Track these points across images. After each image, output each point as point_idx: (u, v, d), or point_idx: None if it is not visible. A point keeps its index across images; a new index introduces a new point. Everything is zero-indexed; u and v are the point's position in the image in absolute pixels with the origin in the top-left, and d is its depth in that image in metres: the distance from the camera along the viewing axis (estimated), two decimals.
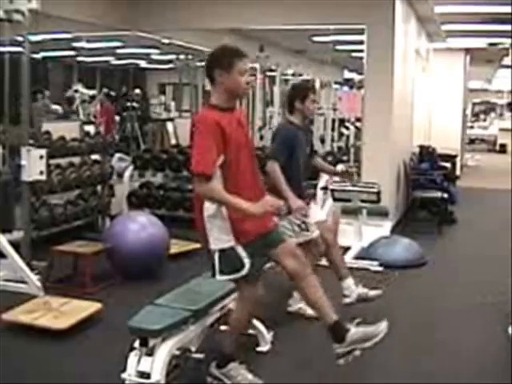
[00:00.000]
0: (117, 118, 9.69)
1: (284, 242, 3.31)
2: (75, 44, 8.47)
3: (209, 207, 3.09)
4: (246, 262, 3.07)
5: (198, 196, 3.14)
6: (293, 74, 10.21)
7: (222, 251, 3.10)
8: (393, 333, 4.23)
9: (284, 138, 4.28)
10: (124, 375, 2.95)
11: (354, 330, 3.14)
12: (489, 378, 3.56)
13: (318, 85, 10.73)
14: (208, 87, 10.42)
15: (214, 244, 3.11)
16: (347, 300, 4.35)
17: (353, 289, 4.36)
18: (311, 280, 3.23)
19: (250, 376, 3.25)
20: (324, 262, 4.57)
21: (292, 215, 4.20)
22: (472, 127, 21.66)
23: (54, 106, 8.02)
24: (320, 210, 4.54)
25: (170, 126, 9.37)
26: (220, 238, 3.09)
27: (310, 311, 4.33)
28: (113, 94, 9.53)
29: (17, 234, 5.07)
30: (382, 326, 3.20)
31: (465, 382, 3.50)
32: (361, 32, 6.93)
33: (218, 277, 3.12)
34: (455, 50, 12.11)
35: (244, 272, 3.08)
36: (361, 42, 7.01)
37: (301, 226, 4.30)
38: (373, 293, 4.43)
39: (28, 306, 4.21)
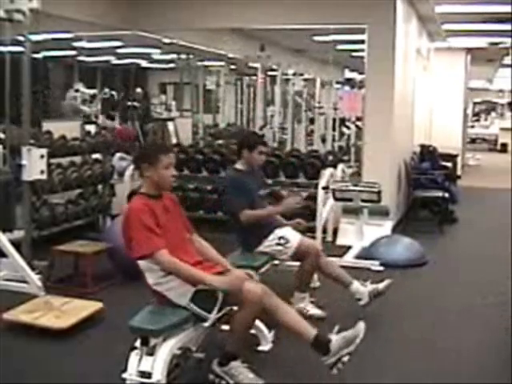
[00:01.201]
0: (116, 116, 9.68)
1: (232, 270, 3.37)
2: (76, 44, 8.46)
3: (151, 277, 3.20)
4: (218, 292, 3.13)
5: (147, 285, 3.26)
6: (294, 74, 10.21)
7: (192, 299, 3.14)
8: (393, 332, 4.25)
9: (235, 187, 4.40)
10: (125, 375, 2.95)
11: (336, 338, 3.21)
12: (489, 377, 3.56)
13: (318, 84, 10.75)
14: (209, 86, 10.47)
15: (183, 301, 3.15)
16: (362, 302, 4.34)
17: (361, 291, 4.34)
18: (279, 305, 3.28)
19: (251, 375, 3.25)
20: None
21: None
22: (473, 126, 21.66)
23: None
24: (293, 232, 4.56)
25: (170, 125, 9.36)
26: (185, 291, 3.15)
27: (311, 311, 4.34)
28: (114, 93, 9.52)
29: (17, 234, 5.07)
30: (360, 327, 3.27)
31: (465, 381, 3.50)
32: (362, 31, 6.92)
33: (213, 315, 3.12)
34: (456, 49, 12.10)
35: (221, 294, 3.13)
36: (362, 42, 7.01)
37: (279, 243, 4.38)
38: (382, 285, 4.39)
39: (29, 306, 4.21)
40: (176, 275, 3.15)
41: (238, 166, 4.51)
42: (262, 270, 4.29)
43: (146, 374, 2.91)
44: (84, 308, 4.21)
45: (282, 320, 3.29)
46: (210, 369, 3.29)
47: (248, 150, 4.44)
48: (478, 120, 23.66)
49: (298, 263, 4.50)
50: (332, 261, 4.61)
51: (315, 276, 4.81)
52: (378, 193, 5.71)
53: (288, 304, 4.34)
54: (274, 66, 10.14)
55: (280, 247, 4.37)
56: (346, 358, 3.17)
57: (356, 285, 4.37)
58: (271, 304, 3.25)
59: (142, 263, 3.22)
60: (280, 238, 4.39)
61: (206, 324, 3.14)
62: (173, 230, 3.30)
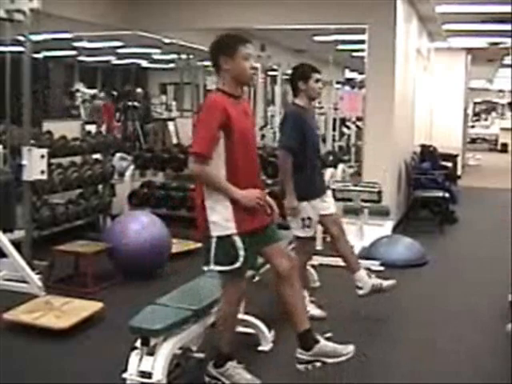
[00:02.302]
0: (117, 115, 9.69)
1: (279, 241, 3.28)
2: (76, 44, 8.47)
3: (211, 192, 3.05)
4: (241, 254, 3.02)
5: (199, 189, 3.11)
6: None
7: (219, 239, 3.04)
8: (393, 332, 4.25)
9: (294, 123, 4.20)
10: (125, 375, 2.96)
11: (324, 343, 3.19)
12: (489, 377, 3.56)
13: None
14: (209, 87, 10.49)
15: (213, 230, 3.04)
16: (361, 292, 4.30)
17: (366, 280, 4.29)
18: (296, 285, 3.23)
19: (247, 375, 3.23)
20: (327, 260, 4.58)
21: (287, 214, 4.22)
22: (473, 126, 21.66)
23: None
24: (331, 203, 4.46)
25: (171, 125, 9.37)
26: (220, 224, 3.03)
27: (312, 311, 4.33)
28: (114, 93, 9.52)
29: (18, 234, 5.07)
30: (349, 349, 3.23)
31: (465, 381, 3.50)
32: (362, 32, 6.93)
33: (212, 266, 3.06)
34: (456, 49, 12.10)
35: (237, 265, 3.02)
36: (362, 42, 7.01)
37: (304, 221, 4.24)
38: (387, 283, 4.35)
39: (29, 306, 4.21)
40: (210, 184, 3.03)
41: (299, 101, 4.31)
42: (262, 270, 4.29)
43: (146, 374, 2.91)
44: (84, 308, 4.21)
45: (289, 297, 3.21)
46: (206, 371, 3.26)
47: (303, 81, 4.27)
48: (478, 120, 23.65)
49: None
50: (350, 244, 4.54)
51: (315, 276, 4.81)
52: (379, 193, 5.72)
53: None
54: (275, 66, 10.13)
55: (302, 224, 4.23)
56: (318, 364, 3.17)
57: (362, 273, 4.32)
58: (289, 278, 3.18)
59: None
60: (309, 218, 4.23)
61: (237, 265, 3.02)
62: (250, 134, 3.18)
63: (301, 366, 3.19)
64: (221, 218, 3.03)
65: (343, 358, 3.18)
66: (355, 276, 4.33)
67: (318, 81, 4.31)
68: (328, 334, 3.27)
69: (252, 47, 3.17)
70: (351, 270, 4.36)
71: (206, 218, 3.05)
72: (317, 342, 3.18)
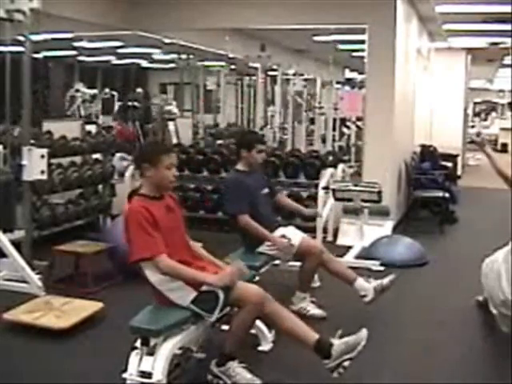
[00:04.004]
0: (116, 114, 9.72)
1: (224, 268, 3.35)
2: (76, 43, 8.47)
3: (152, 276, 3.17)
4: (216, 289, 3.12)
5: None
6: (294, 74, 10.21)
7: (193, 301, 3.14)
8: (393, 332, 4.25)
9: (235, 188, 4.38)
10: (125, 375, 2.96)
11: (338, 343, 3.20)
12: (489, 378, 3.56)
13: (319, 84, 10.75)
14: (210, 87, 10.46)
15: (184, 302, 3.15)
16: (366, 299, 4.31)
17: (366, 287, 4.31)
18: (279, 311, 3.28)
19: (248, 375, 3.25)
20: None
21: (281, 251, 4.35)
22: (473, 126, 21.63)
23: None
24: (296, 231, 4.56)
25: (171, 125, 9.36)
26: (186, 293, 3.15)
27: (312, 311, 4.34)
28: (114, 93, 9.52)
29: (18, 234, 5.07)
30: (363, 334, 3.26)
31: (465, 382, 3.49)
32: (362, 31, 6.93)
33: (211, 318, 3.13)
34: (456, 49, 12.09)
35: (221, 297, 3.11)
36: (362, 42, 7.01)
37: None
38: (387, 280, 4.35)
39: (29, 306, 4.21)
40: (176, 278, 3.14)
41: (239, 166, 4.50)
42: (262, 270, 4.29)
43: (146, 374, 2.91)
44: (84, 308, 4.21)
45: (283, 327, 3.29)
46: (208, 369, 3.29)
47: (246, 149, 4.42)
48: (485, 119, 23.64)
49: (298, 263, 4.50)
50: (336, 258, 4.60)
51: (316, 276, 4.81)
52: (379, 193, 5.71)
53: (289, 304, 4.39)
54: (275, 66, 10.13)
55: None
56: (346, 363, 3.17)
57: (360, 281, 4.33)
58: (272, 310, 3.25)
59: (148, 272, 3.19)
60: (282, 237, 4.38)
61: (209, 320, 3.13)
62: (175, 229, 3.30)
63: (335, 374, 3.18)
64: (180, 290, 3.15)
65: (362, 345, 3.21)
66: (355, 287, 4.34)
67: (260, 151, 4.46)
68: (339, 332, 3.27)
69: (175, 156, 3.32)
70: (349, 283, 4.37)
71: (169, 297, 3.18)
72: (331, 345, 3.19)
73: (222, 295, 3.12)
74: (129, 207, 3.25)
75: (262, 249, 4.36)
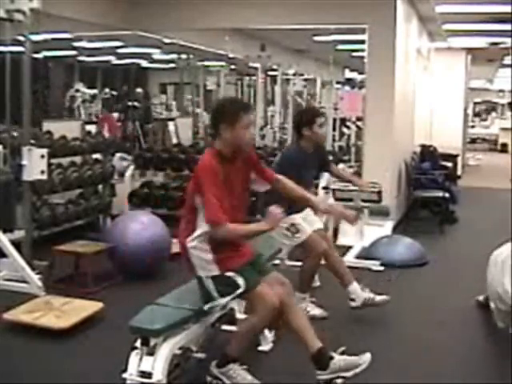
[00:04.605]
0: (116, 115, 9.70)
1: (270, 272, 3.33)
2: (76, 43, 8.47)
3: (193, 240, 3.14)
4: (239, 280, 3.10)
5: (184, 231, 3.19)
6: (294, 74, 10.22)
7: (213, 278, 3.13)
8: (393, 332, 4.25)
9: (291, 161, 4.32)
10: (125, 375, 2.95)
11: (337, 358, 3.16)
12: (489, 378, 3.56)
13: (319, 84, 10.75)
14: (209, 87, 10.45)
15: (204, 272, 3.14)
16: (353, 304, 4.32)
17: (359, 293, 4.31)
18: (295, 308, 3.25)
19: (249, 377, 3.23)
20: None
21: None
22: (473, 126, 21.64)
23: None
24: (315, 219, 4.52)
25: (171, 125, 9.37)
26: (209, 268, 3.13)
27: (312, 311, 4.34)
28: (114, 93, 9.53)
29: (18, 234, 5.07)
30: (365, 358, 3.20)
31: (465, 382, 3.49)
32: (362, 31, 6.93)
33: (220, 300, 3.12)
34: (456, 49, 12.10)
35: (241, 289, 3.10)
36: (362, 42, 7.01)
37: (289, 229, 4.30)
38: (379, 298, 4.34)
39: (29, 306, 4.21)
40: (237, 239, 3.14)
41: (302, 143, 4.42)
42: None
43: (146, 374, 2.91)
44: (84, 308, 4.21)
45: (293, 322, 3.22)
46: (208, 370, 3.27)
47: (307, 127, 4.35)
48: (483, 119, 23.64)
49: (298, 263, 4.50)
50: (341, 258, 4.59)
51: (316, 276, 4.80)
52: (379, 193, 5.71)
53: None
54: (275, 66, 10.14)
55: (289, 233, 4.31)
56: (339, 381, 3.13)
57: (355, 286, 4.34)
58: (289, 304, 3.20)
59: (200, 223, 3.11)
60: (292, 224, 4.31)
61: (207, 306, 3.11)
62: (236, 193, 3.21)
63: None
64: (207, 263, 3.13)
65: (361, 368, 3.16)
66: (348, 289, 4.34)
67: (321, 125, 4.42)
68: (341, 349, 3.24)
69: (253, 116, 3.23)
70: (344, 284, 4.37)
71: (194, 263, 3.16)
72: (331, 358, 3.16)
73: (242, 288, 3.08)
74: (202, 161, 3.15)
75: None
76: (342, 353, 3.23)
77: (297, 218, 4.34)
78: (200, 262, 3.14)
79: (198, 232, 3.13)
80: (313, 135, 4.37)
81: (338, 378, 3.14)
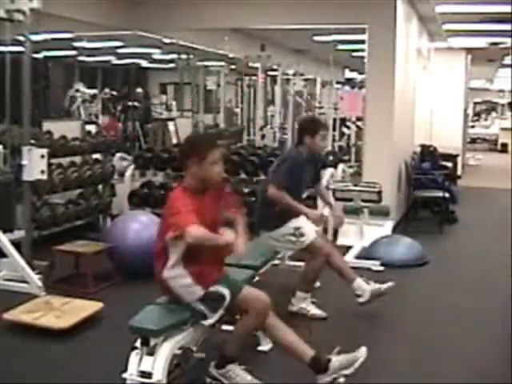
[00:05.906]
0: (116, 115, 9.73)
1: (242, 289, 3.27)
2: (76, 44, 8.47)
3: (169, 270, 3.13)
4: (223, 290, 3.12)
5: (158, 267, 3.18)
6: (294, 74, 10.22)
7: (201, 300, 3.12)
8: (393, 332, 4.25)
9: (291, 167, 4.35)
10: (125, 375, 2.95)
11: (335, 359, 3.20)
12: (489, 378, 3.55)
13: (319, 84, 10.76)
14: (210, 87, 10.45)
15: (190, 296, 3.13)
16: (360, 299, 4.32)
17: (364, 288, 4.31)
18: (281, 326, 3.26)
19: (248, 377, 3.24)
20: None
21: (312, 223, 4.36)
22: (473, 126, 21.65)
23: None
24: (311, 228, 4.54)
25: (171, 125, 9.37)
26: (193, 291, 3.13)
27: (313, 311, 4.34)
28: (114, 93, 9.53)
29: (18, 234, 5.07)
30: (361, 352, 3.25)
31: (465, 382, 3.49)
32: (362, 31, 6.93)
33: (215, 317, 3.11)
34: (456, 49, 12.10)
35: (227, 297, 3.11)
36: (362, 42, 7.01)
37: (294, 233, 4.32)
38: (385, 286, 4.36)
39: (29, 306, 4.21)
40: (207, 243, 3.08)
41: (301, 149, 4.48)
42: (262, 270, 4.29)
43: (146, 374, 2.91)
44: (84, 308, 4.21)
45: (282, 340, 3.26)
46: (207, 371, 3.28)
47: (310, 135, 4.41)
48: (478, 120, 23.65)
49: (298, 263, 4.50)
50: (342, 256, 4.61)
51: None
52: (379, 193, 5.72)
53: (289, 304, 4.40)
54: (275, 66, 10.14)
55: (293, 238, 4.31)
56: (342, 380, 3.17)
57: (359, 281, 4.34)
58: (273, 322, 3.24)
59: (172, 250, 3.13)
60: (296, 228, 4.33)
61: (207, 322, 3.12)
62: (207, 225, 3.15)
63: None
64: (189, 286, 3.12)
65: (359, 362, 3.20)
66: (353, 285, 4.35)
67: (323, 138, 4.53)
68: (336, 349, 3.26)
69: (221, 151, 3.24)
70: (348, 281, 4.37)
71: (177, 291, 3.15)
72: (329, 360, 3.19)
73: (228, 297, 3.11)
74: (173, 195, 3.17)
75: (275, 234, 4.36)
76: (339, 353, 3.25)
77: (299, 221, 4.35)
78: (183, 290, 3.14)
79: (171, 260, 3.13)
80: (313, 145, 4.43)
81: (340, 376, 3.17)
